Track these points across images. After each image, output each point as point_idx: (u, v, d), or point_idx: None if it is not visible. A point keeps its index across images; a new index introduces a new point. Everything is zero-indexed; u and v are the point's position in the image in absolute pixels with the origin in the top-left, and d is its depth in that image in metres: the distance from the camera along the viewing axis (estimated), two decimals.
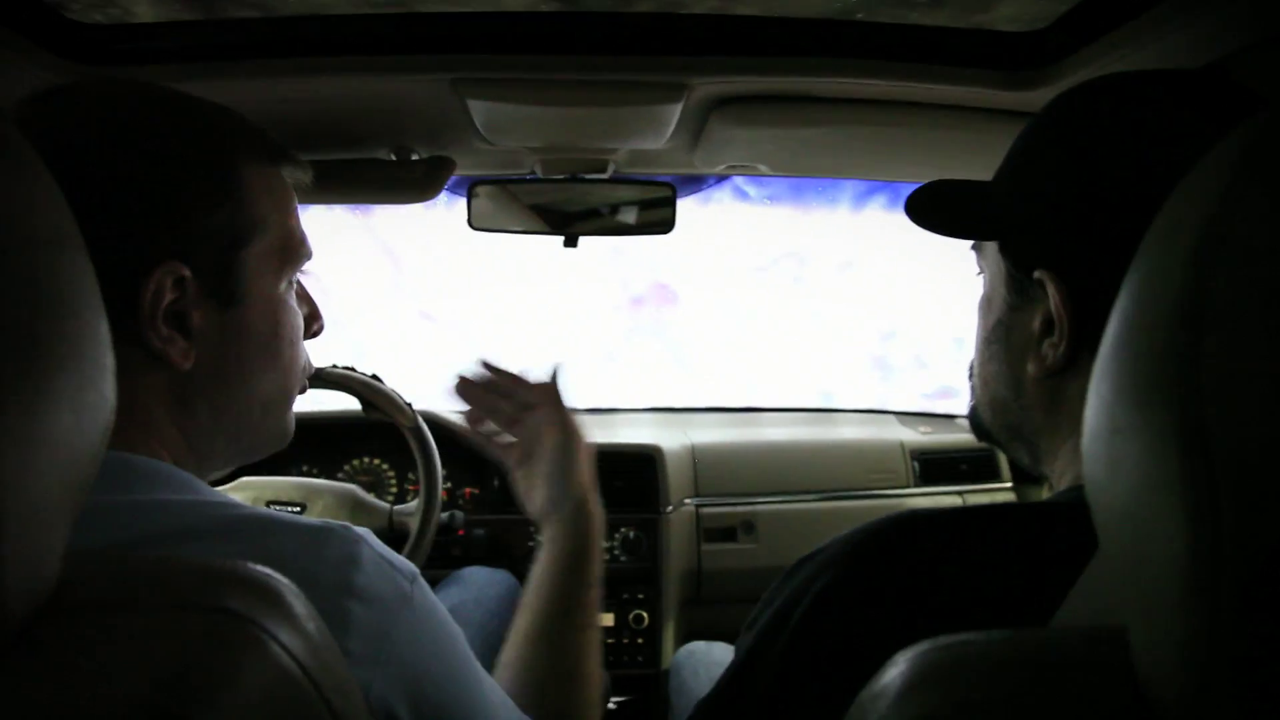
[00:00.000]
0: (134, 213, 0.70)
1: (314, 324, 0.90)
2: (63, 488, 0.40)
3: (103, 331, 0.43)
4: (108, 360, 0.43)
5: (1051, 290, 0.70)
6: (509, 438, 1.10)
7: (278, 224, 0.80)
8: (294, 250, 0.83)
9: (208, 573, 0.45)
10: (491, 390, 1.09)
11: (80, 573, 0.42)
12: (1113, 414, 0.38)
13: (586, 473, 1.06)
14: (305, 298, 0.89)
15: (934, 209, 0.85)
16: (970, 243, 0.85)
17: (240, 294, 0.77)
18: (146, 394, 0.72)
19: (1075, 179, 0.70)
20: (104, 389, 0.43)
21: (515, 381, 1.09)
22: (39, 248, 0.39)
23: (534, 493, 1.07)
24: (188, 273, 0.71)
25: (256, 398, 0.81)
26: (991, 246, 0.79)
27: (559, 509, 1.04)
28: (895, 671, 0.44)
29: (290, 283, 0.84)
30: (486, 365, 1.10)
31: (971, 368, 0.87)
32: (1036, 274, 0.71)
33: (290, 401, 0.87)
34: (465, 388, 1.10)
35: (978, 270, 0.85)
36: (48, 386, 0.38)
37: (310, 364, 0.91)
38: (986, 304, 0.81)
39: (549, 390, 1.09)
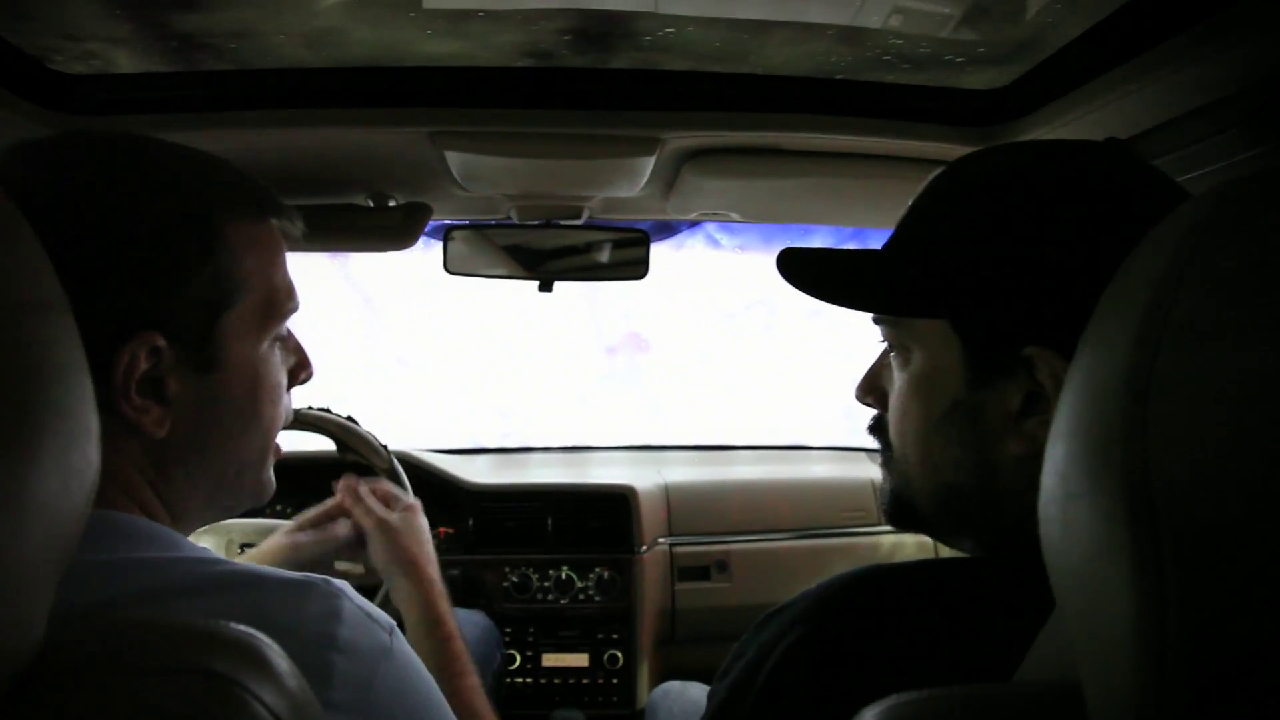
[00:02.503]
0: (110, 281, 0.67)
1: (300, 373, 0.89)
2: (48, 551, 0.40)
3: (88, 394, 0.43)
4: (92, 423, 0.44)
5: (1049, 366, 0.66)
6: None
7: (261, 282, 0.77)
8: (278, 306, 0.80)
9: (191, 634, 0.45)
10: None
11: (65, 635, 0.42)
12: (1066, 479, 0.40)
13: (411, 549, 1.18)
14: (293, 347, 0.87)
15: (842, 284, 0.79)
16: (870, 317, 0.79)
17: (219, 360, 0.74)
18: (121, 459, 0.70)
19: (1055, 246, 0.67)
20: (89, 452, 0.43)
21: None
22: (25, 312, 0.39)
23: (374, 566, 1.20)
24: (163, 343, 0.69)
25: (233, 460, 0.79)
26: (928, 323, 0.74)
27: (390, 580, 1.17)
28: None
29: (274, 339, 0.81)
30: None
31: (894, 454, 0.81)
32: (1027, 350, 0.67)
33: (269, 459, 0.84)
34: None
35: (882, 339, 0.80)
36: (33, 451, 0.39)
37: (291, 412, 0.89)
38: (926, 383, 0.75)
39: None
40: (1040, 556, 0.45)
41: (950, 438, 0.73)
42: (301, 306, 0.84)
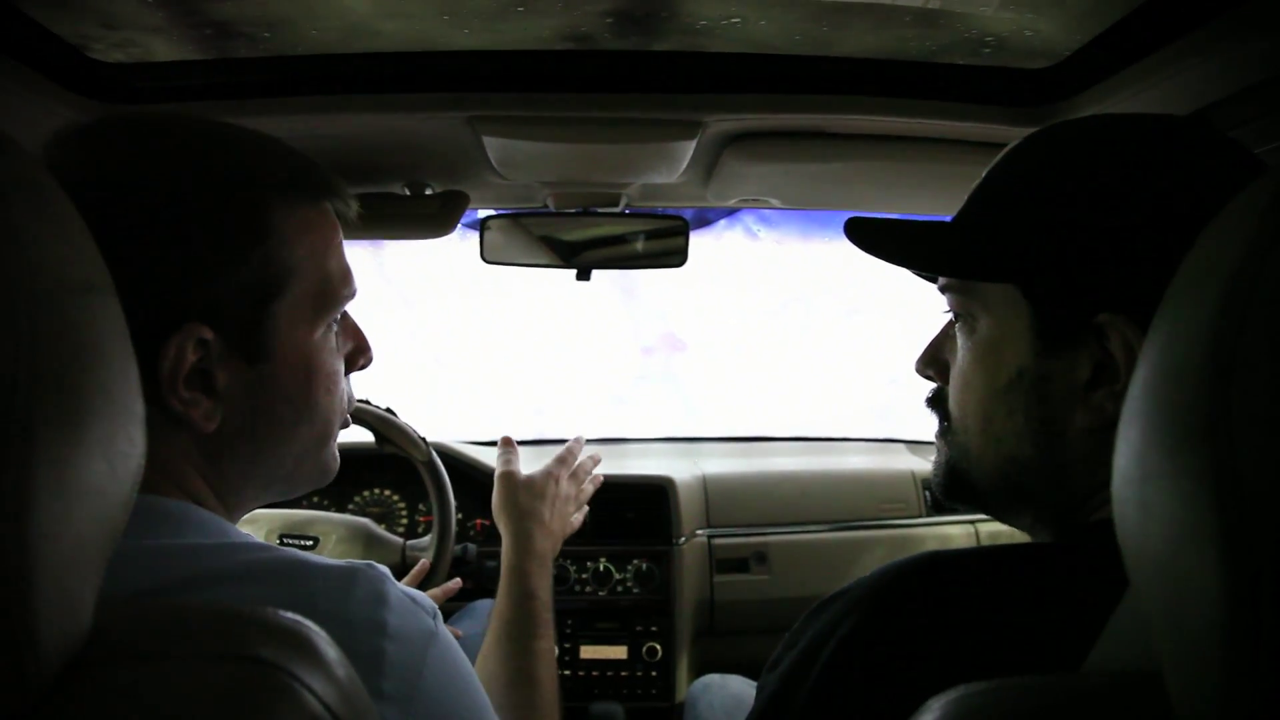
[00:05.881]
0: (154, 271, 0.66)
1: (359, 359, 0.87)
2: (95, 536, 0.40)
3: (133, 377, 0.43)
4: (138, 406, 0.43)
5: (1121, 335, 0.65)
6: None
7: (314, 268, 0.76)
8: (332, 293, 0.78)
9: (239, 621, 0.45)
10: None
11: (111, 621, 0.42)
12: (1143, 460, 0.38)
13: (523, 506, 1.27)
14: (351, 332, 0.85)
15: (912, 249, 0.79)
16: (937, 285, 0.80)
17: (269, 350, 0.73)
18: (171, 452, 0.70)
19: (1133, 212, 0.65)
20: (135, 435, 0.43)
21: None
22: (71, 294, 0.39)
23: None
24: (210, 334, 0.68)
25: (289, 451, 0.78)
26: (997, 289, 0.73)
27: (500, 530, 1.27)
28: (930, 718, 0.44)
29: (329, 326, 0.79)
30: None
31: (953, 424, 0.79)
32: (1100, 317, 0.66)
33: (328, 442, 0.83)
34: None
35: (948, 309, 0.79)
36: (80, 434, 0.38)
37: (353, 398, 0.87)
38: (991, 351, 0.74)
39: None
40: (1106, 539, 0.44)
41: (1014, 407, 0.72)
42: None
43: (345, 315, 0.84)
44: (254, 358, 0.72)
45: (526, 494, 1.28)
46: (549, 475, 1.32)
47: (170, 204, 0.68)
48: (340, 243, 0.81)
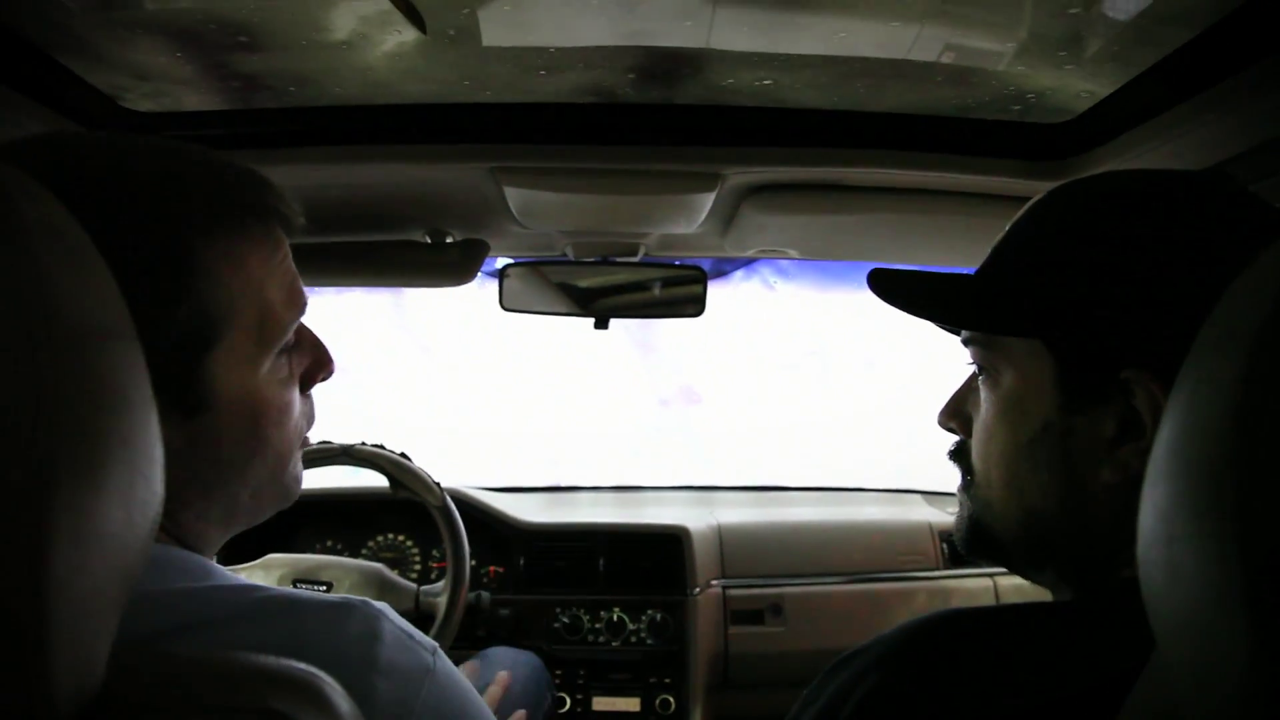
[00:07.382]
0: None
1: (319, 373, 0.80)
2: (112, 584, 0.40)
3: (153, 424, 0.43)
4: (157, 453, 0.43)
5: (1147, 391, 0.64)
6: None
7: (252, 302, 0.69)
8: (275, 323, 0.71)
9: (252, 672, 0.44)
10: None
11: (124, 671, 0.42)
12: (1169, 521, 0.38)
13: None
14: (308, 346, 0.79)
15: (936, 301, 0.79)
16: (960, 338, 0.79)
17: (208, 400, 0.67)
18: None
19: (1158, 267, 0.65)
20: (153, 481, 0.43)
21: None
22: (94, 339, 0.39)
23: None
24: None
25: (242, 489, 0.73)
26: (1022, 343, 0.72)
27: None
28: None
29: (281, 352, 0.73)
30: None
31: (976, 478, 0.78)
32: (1125, 373, 0.65)
33: (285, 469, 0.77)
34: None
35: (971, 361, 0.79)
36: (100, 482, 0.38)
37: (313, 416, 0.82)
38: (1015, 405, 0.73)
39: None
40: (1132, 599, 0.43)
41: (1038, 462, 0.71)
42: (310, 302, 0.76)
43: (301, 330, 0.77)
44: (191, 411, 0.67)
45: None
46: None
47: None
48: (281, 259, 0.73)
